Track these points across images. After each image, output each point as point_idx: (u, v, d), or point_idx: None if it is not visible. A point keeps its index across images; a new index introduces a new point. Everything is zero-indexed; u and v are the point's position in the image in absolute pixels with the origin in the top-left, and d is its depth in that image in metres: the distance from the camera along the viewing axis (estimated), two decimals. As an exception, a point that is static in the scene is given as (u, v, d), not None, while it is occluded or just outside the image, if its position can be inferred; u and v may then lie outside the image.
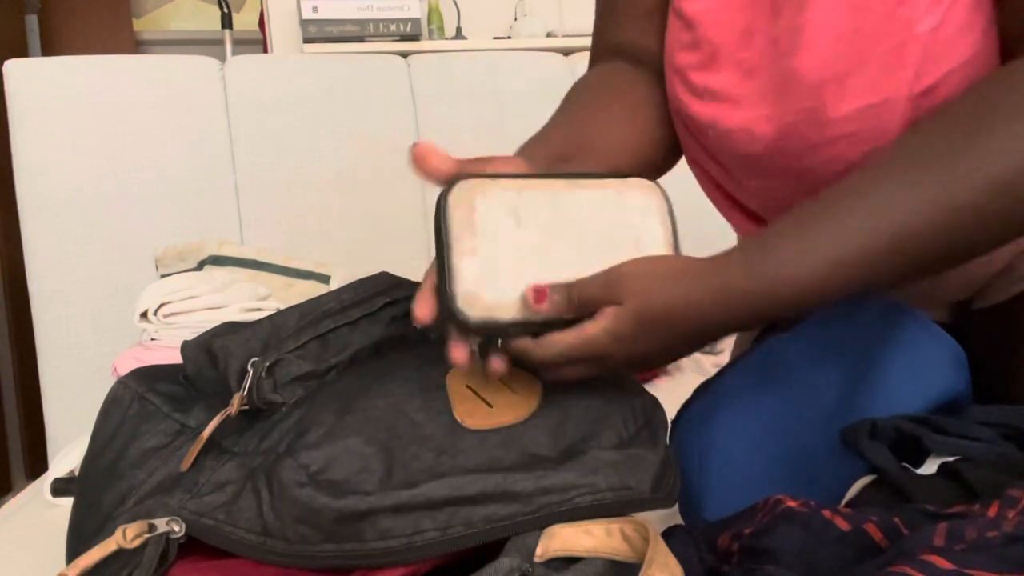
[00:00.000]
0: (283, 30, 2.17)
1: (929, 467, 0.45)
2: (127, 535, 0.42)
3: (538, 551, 0.40)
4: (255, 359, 0.49)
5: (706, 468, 0.55)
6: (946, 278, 0.60)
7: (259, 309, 1.04)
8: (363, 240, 1.52)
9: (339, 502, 0.41)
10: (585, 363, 0.46)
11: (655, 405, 0.51)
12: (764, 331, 0.65)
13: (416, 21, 2.03)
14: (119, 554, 0.42)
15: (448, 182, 0.46)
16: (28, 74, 1.38)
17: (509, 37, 2.25)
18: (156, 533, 0.42)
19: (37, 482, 0.86)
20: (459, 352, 0.45)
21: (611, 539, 0.41)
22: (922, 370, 0.52)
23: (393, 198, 1.54)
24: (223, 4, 2.54)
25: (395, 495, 0.41)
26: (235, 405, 0.47)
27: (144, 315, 1.01)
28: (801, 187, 0.58)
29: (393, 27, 2.02)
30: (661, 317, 0.45)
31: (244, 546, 0.42)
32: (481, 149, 0.51)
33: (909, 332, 0.53)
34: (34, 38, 2.93)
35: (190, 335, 0.54)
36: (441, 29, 2.24)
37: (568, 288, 0.45)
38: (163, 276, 1.28)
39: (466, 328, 0.44)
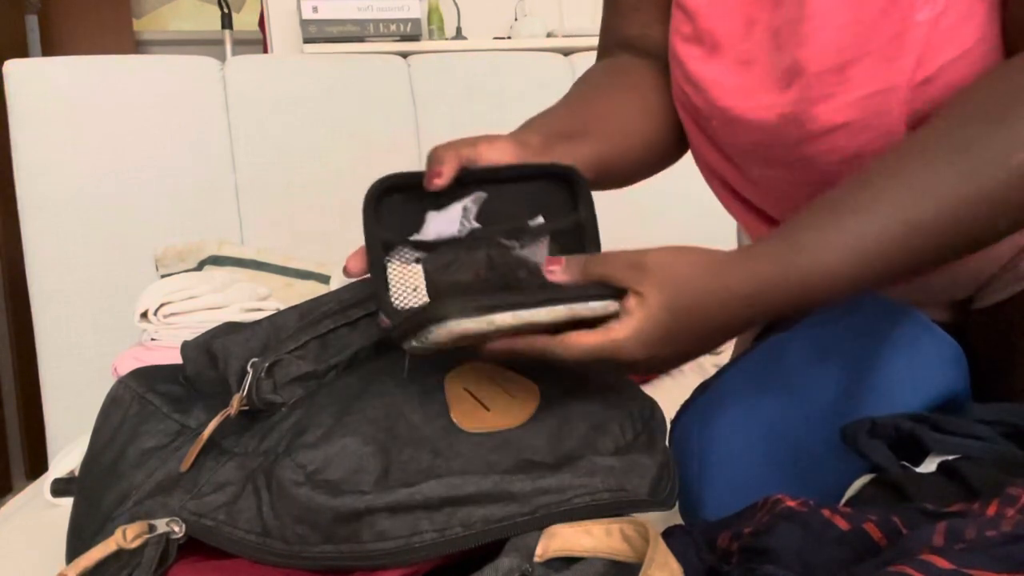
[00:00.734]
0: (283, 30, 2.17)
1: (929, 465, 0.45)
2: (127, 535, 0.42)
3: (538, 551, 0.40)
4: (255, 359, 0.49)
5: (706, 468, 0.55)
6: (951, 275, 0.60)
7: (259, 309, 1.04)
8: (363, 240, 1.51)
9: (336, 501, 0.41)
10: (604, 364, 0.44)
11: (653, 408, 0.51)
12: (764, 331, 0.65)
13: (416, 21, 2.03)
14: (119, 554, 0.42)
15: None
16: (28, 74, 1.38)
17: (509, 37, 2.25)
18: (156, 534, 0.42)
19: (37, 482, 0.86)
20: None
21: (611, 539, 0.41)
22: (922, 369, 0.52)
23: (393, 198, 1.54)
24: (223, 4, 2.54)
25: (392, 495, 0.41)
26: (235, 405, 0.47)
27: (144, 315, 1.01)
28: (802, 177, 0.58)
29: (393, 27, 2.01)
30: (694, 308, 0.43)
31: (244, 546, 0.42)
32: (481, 149, 0.51)
33: (909, 332, 0.53)
34: (34, 38, 2.93)
35: (190, 335, 0.54)
36: (441, 29, 2.24)
37: (586, 260, 0.45)
38: (163, 276, 1.28)
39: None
